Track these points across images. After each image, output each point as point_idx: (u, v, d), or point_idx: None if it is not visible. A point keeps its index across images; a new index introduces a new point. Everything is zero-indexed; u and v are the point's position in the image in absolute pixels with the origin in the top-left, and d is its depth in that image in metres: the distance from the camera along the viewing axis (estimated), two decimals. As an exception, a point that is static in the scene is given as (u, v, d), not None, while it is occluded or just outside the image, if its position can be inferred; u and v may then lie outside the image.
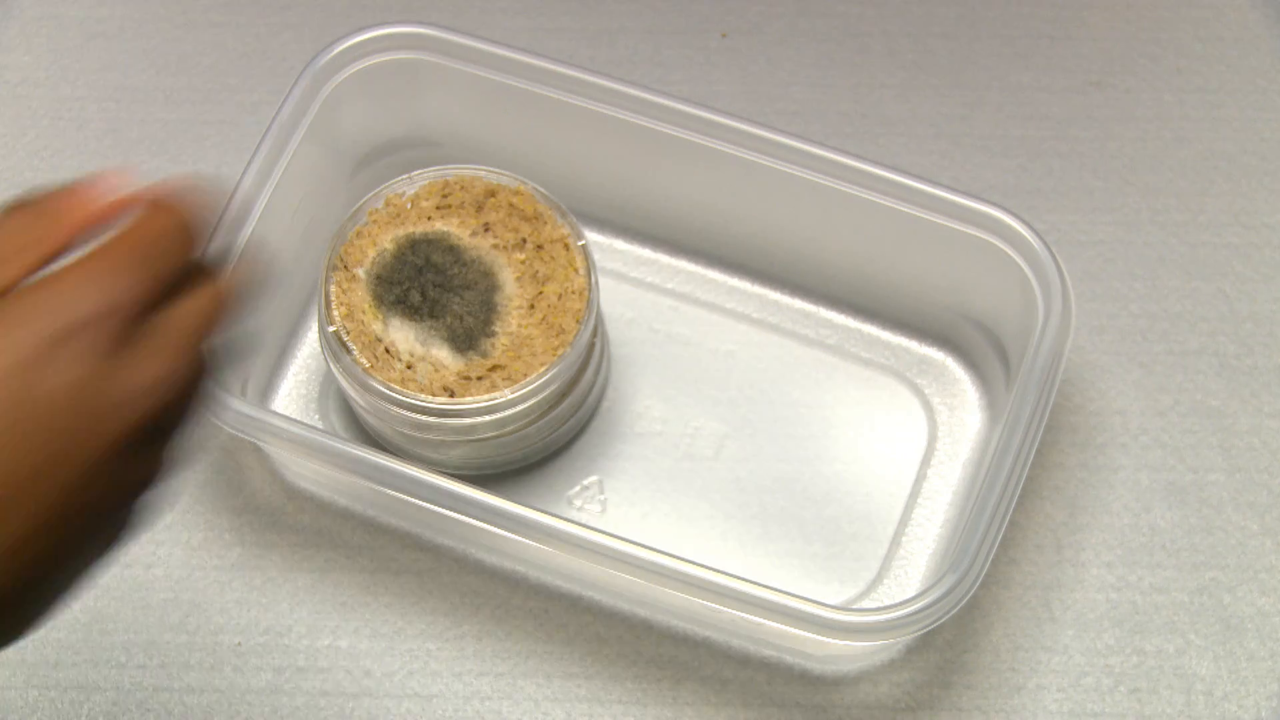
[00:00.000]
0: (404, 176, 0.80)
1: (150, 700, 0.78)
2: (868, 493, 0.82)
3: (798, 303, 0.86)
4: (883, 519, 0.81)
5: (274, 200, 0.79)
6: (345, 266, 0.78)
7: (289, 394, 0.84)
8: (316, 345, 0.84)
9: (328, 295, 0.77)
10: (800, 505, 0.81)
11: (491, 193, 0.80)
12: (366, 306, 0.77)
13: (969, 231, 0.78)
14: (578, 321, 0.77)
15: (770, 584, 0.71)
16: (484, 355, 0.77)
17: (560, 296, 0.78)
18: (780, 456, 0.83)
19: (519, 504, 0.72)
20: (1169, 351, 0.85)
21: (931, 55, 0.93)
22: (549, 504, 0.81)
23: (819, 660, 0.78)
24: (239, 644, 0.79)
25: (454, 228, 0.79)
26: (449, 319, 0.77)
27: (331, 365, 0.78)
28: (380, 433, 0.81)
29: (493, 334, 0.77)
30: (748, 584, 0.71)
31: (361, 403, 0.78)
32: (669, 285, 0.87)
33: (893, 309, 0.85)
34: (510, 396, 0.76)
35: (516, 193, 0.80)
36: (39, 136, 0.91)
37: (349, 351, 0.76)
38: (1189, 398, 0.84)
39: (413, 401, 0.75)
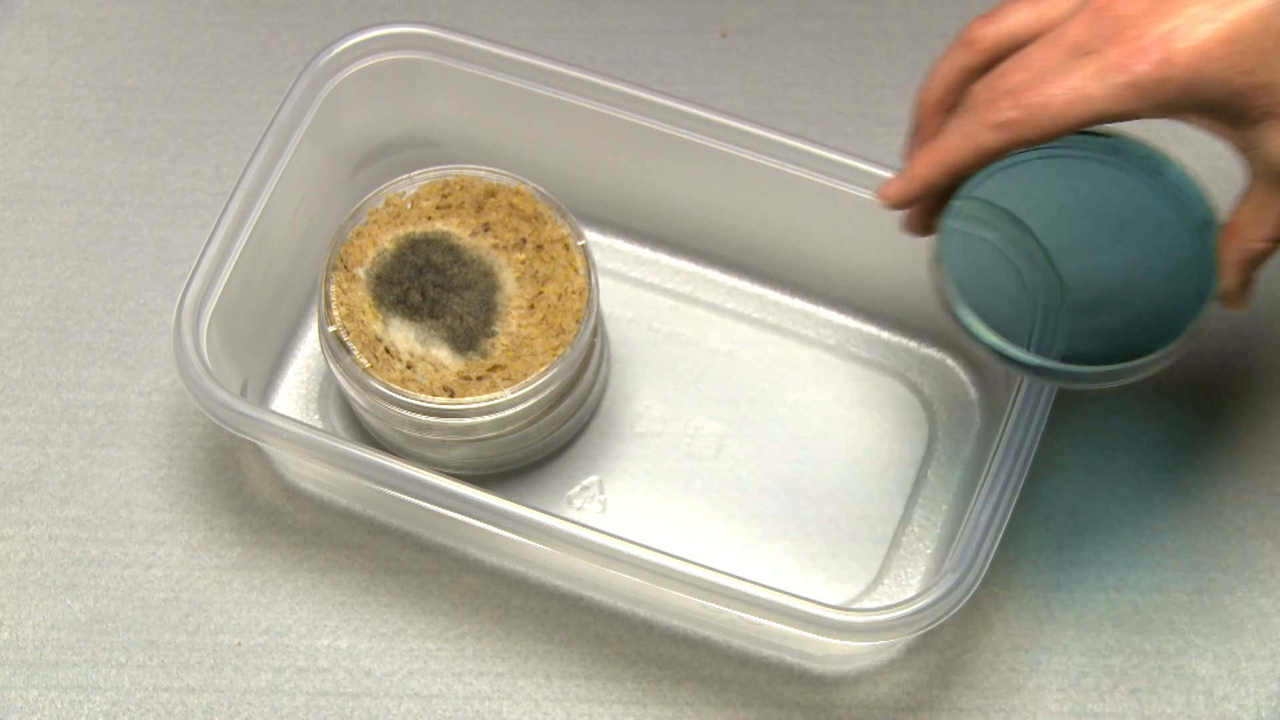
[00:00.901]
0: (404, 176, 0.80)
1: (150, 700, 0.78)
2: (868, 493, 0.82)
3: (798, 303, 0.86)
4: (883, 519, 0.81)
5: (274, 200, 0.79)
6: (345, 266, 0.78)
7: (289, 394, 0.84)
8: (316, 345, 0.84)
9: (328, 295, 0.77)
10: (800, 505, 0.81)
11: (491, 193, 0.80)
12: (366, 306, 0.77)
13: (969, 231, 0.78)
14: (578, 321, 0.77)
15: (770, 584, 0.71)
16: (484, 355, 0.77)
17: (560, 296, 0.78)
18: (780, 456, 0.83)
19: (519, 504, 0.72)
20: (1169, 351, 0.85)
21: (931, 55, 0.93)
22: (549, 504, 0.81)
23: (819, 660, 0.78)
24: (239, 644, 0.79)
25: (454, 228, 0.79)
26: (449, 319, 0.77)
27: (331, 365, 0.78)
28: (380, 433, 0.81)
29: (493, 334, 0.77)
30: (748, 584, 0.71)
31: (361, 403, 0.78)
32: (669, 285, 0.87)
33: (893, 309, 0.85)
34: (510, 396, 0.76)
35: (516, 193, 0.80)
36: (39, 136, 0.91)
37: (349, 351, 0.76)
38: (1189, 398, 0.84)
39: (413, 401, 0.75)
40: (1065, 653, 0.79)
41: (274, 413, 0.75)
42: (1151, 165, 0.70)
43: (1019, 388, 0.75)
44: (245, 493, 0.82)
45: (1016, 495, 0.73)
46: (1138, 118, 0.62)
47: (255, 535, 0.81)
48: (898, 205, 0.68)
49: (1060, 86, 0.61)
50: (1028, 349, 0.69)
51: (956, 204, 0.69)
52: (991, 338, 0.69)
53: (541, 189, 0.80)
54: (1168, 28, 0.61)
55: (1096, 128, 0.65)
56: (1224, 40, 0.60)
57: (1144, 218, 0.70)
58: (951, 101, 0.67)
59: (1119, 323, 0.70)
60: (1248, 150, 0.63)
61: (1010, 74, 0.63)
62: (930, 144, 0.65)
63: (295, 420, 0.75)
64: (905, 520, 0.81)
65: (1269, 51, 0.60)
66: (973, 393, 0.84)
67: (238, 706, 0.78)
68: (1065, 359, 0.69)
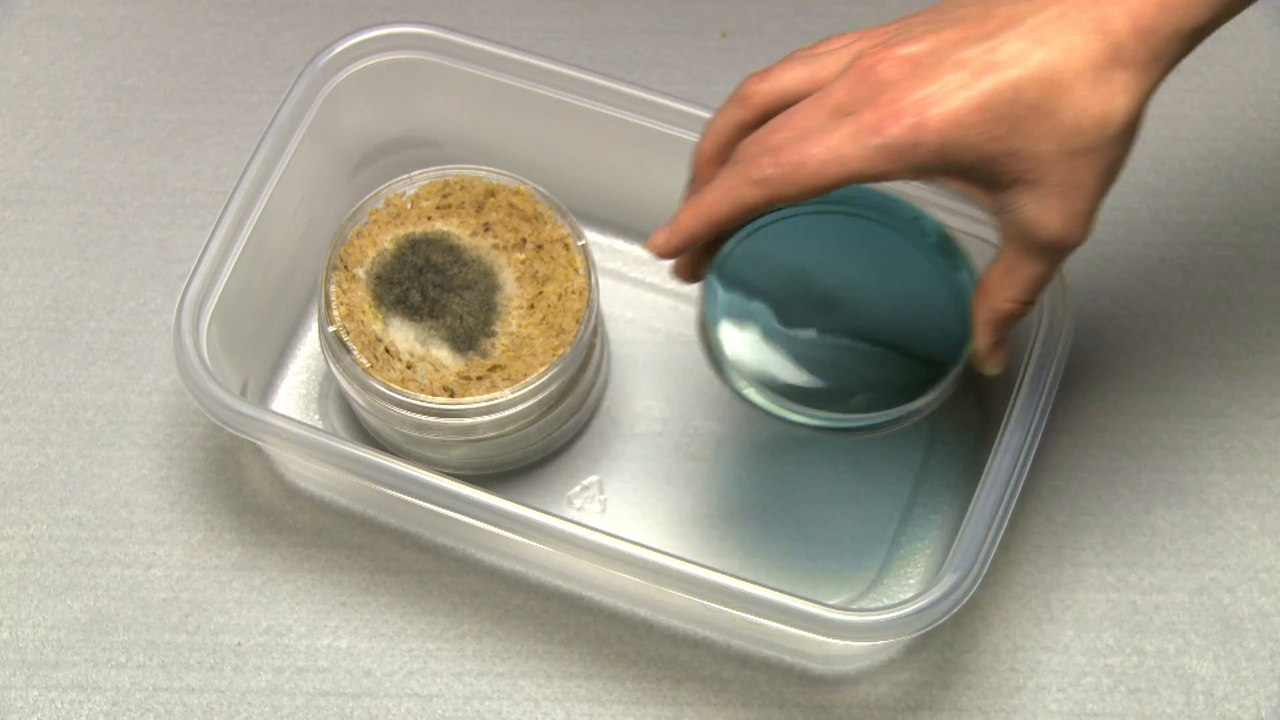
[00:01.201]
0: (404, 176, 0.80)
1: (150, 700, 0.78)
2: (868, 493, 0.82)
3: (798, 303, 0.86)
4: (883, 519, 0.81)
5: (274, 200, 0.79)
6: (345, 266, 0.78)
7: (289, 394, 0.84)
8: (316, 345, 0.84)
9: (328, 295, 0.77)
10: (800, 505, 0.81)
11: (491, 193, 0.80)
12: (366, 306, 0.77)
13: (969, 231, 0.78)
14: (578, 321, 0.77)
15: (770, 584, 0.71)
16: (484, 355, 0.77)
17: (560, 296, 0.78)
18: (780, 457, 0.82)
19: (519, 504, 0.72)
20: (1169, 351, 0.85)
21: (931, 55, 0.93)
22: (549, 504, 0.81)
23: (819, 660, 0.78)
24: (239, 644, 0.79)
25: (454, 228, 0.79)
26: (449, 319, 0.77)
27: (331, 365, 0.78)
28: (380, 433, 0.81)
29: (493, 334, 0.77)
30: (748, 584, 0.71)
31: (361, 403, 0.78)
32: (669, 285, 0.87)
33: (892, 309, 0.85)
34: (510, 396, 0.76)
35: (516, 193, 0.80)
36: (39, 136, 0.91)
37: (349, 351, 0.76)
38: (1189, 398, 0.84)
39: (413, 401, 0.75)
40: (1065, 653, 0.79)
41: (274, 413, 0.75)
42: (919, 226, 0.72)
43: (1019, 388, 0.75)
44: (245, 493, 0.82)
45: (1016, 495, 0.72)
46: (893, 179, 0.63)
47: (255, 535, 0.81)
48: (663, 255, 0.69)
49: (818, 146, 0.63)
50: (793, 401, 0.70)
51: (721, 256, 0.71)
52: (749, 392, 0.71)
53: (541, 189, 0.80)
54: (923, 94, 0.62)
55: (872, 186, 0.66)
56: (976, 108, 0.62)
57: (909, 275, 0.73)
58: (725, 155, 0.68)
59: (884, 374, 0.72)
60: (999, 214, 0.65)
61: (775, 132, 0.65)
62: (696, 196, 0.67)
63: (295, 420, 0.75)
64: (905, 520, 0.81)
65: (1021, 120, 0.62)
66: (973, 393, 0.83)
67: (238, 706, 0.78)
68: (827, 406, 0.71)
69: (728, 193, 0.65)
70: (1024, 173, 0.63)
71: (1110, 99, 0.62)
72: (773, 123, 0.65)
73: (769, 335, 0.72)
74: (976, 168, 0.63)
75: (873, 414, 0.70)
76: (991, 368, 0.70)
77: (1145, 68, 0.63)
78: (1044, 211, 0.64)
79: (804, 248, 0.73)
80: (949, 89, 0.62)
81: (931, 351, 0.71)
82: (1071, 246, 0.65)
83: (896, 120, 0.62)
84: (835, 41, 0.67)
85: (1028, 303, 0.67)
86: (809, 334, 0.72)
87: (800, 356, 0.71)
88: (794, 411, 0.70)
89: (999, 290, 0.67)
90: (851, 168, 0.62)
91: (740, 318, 0.71)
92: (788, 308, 0.72)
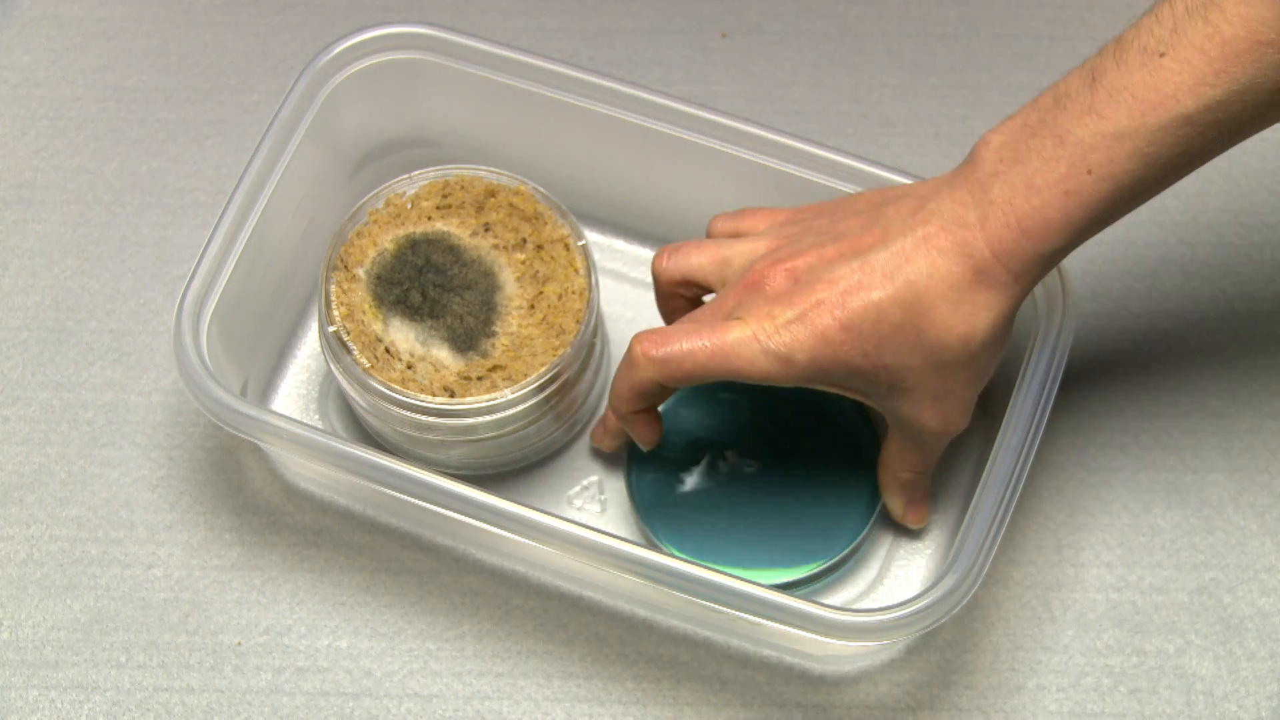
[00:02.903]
0: (404, 176, 0.80)
1: (150, 700, 0.78)
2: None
3: (798, 303, 0.86)
4: (883, 519, 0.81)
5: (274, 200, 0.79)
6: (345, 266, 0.78)
7: (289, 394, 0.84)
8: (316, 345, 0.84)
9: (328, 295, 0.77)
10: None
11: (491, 193, 0.80)
12: (366, 306, 0.77)
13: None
14: (578, 321, 0.77)
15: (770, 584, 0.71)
16: (484, 355, 0.77)
17: (560, 296, 0.78)
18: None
19: (519, 504, 0.72)
20: (1169, 351, 0.85)
21: (931, 55, 0.94)
22: (549, 504, 0.81)
23: (819, 660, 0.78)
24: (239, 644, 0.79)
25: (454, 228, 0.79)
26: (449, 319, 0.77)
27: (331, 365, 0.78)
28: (380, 433, 0.81)
29: (493, 334, 0.77)
30: (748, 584, 0.71)
31: (361, 403, 0.78)
32: (669, 285, 0.87)
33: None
34: (510, 396, 0.76)
35: (516, 193, 0.80)
36: (39, 136, 0.91)
37: (349, 351, 0.76)
38: (1189, 398, 0.84)
39: (413, 401, 0.75)
40: (1065, 653, 0.79)
41: (274, 413, 0.75)
42: (837, 403, 0.79)
43: (1019, 388, 0.75)
44: (245, 493, 0.82)
45: (1016, 495, 0.73)
46: (771, 383, 0.68)
47: (255, 535, 0.81)
48: (609, 449, 0.80)
49: (707, 339, 0.69)
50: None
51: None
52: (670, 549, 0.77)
53: (541, 189, 0.80)
54: (796, 313, 0.68)
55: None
56: (843, 327, 0.68)
57: (825, 444, 0.79)
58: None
59: (800, 536, 0.78)
60: (883, 410, 0.72)
61: (679, 323, 0.71)
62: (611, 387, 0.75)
63: (295, 420, 0.75)
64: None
65: (886, 338, 0.68)
66: (973, 393, 0.84)
67: (238, 706, 0.78)
68: (741, 564, 0.77)
69: (627, 375, 0.71)
70: (896, 381, 0.69)
71: (972, 318, 0.67)
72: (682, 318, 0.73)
73: (686, 504, 0.78)
74: (849, 380, 0.69)
75: (792, 571, 0.77)
76: (913, 523, 0.78)
77: (1007, 287, 0.67)
78: (919, 412, 0.71)
79: (727, 419, 0.79)
80: (821, 309, 0.68)
81: (847, 516, 0.78)
82: (952, 434, 0.72)
83: (773, 335, 0.68)
84: (749, 219, 0.74)
85: (923, 473, 0.74)
86: (726, 501, 0.78)
87: (718, 525, 0.78)
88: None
89: (894, 464, 0.76)
90: (733, 365, 0.69)
91: (659, 488, 0.79)
92: (704, 476, 0.79)
